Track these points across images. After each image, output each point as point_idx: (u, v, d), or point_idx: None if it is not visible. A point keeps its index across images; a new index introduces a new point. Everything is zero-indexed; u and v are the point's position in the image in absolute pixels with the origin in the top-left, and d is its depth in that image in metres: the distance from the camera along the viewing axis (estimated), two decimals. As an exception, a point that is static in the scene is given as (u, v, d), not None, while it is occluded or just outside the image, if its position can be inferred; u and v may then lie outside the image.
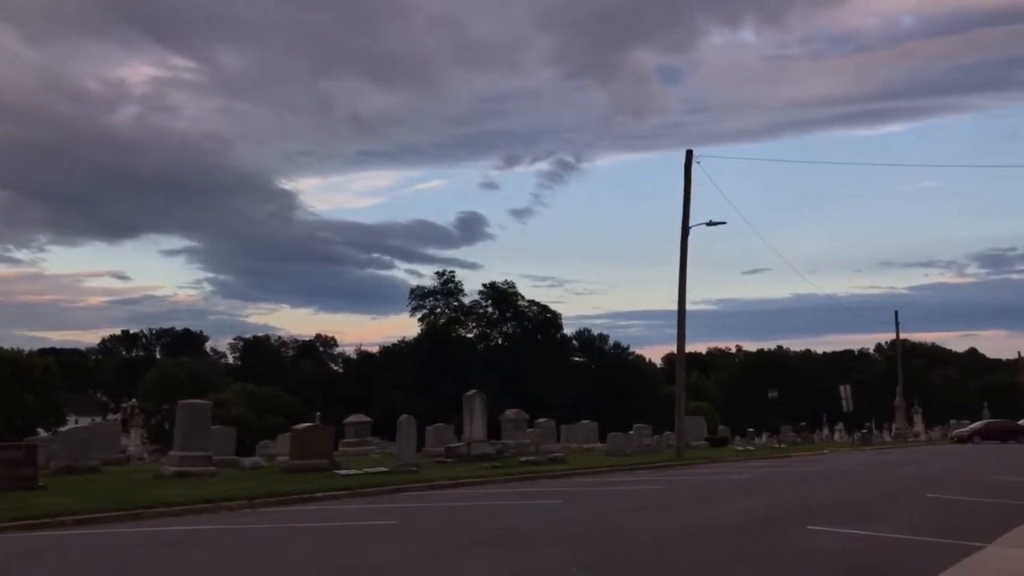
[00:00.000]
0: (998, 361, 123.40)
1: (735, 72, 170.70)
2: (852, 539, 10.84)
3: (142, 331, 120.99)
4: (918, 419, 66.75)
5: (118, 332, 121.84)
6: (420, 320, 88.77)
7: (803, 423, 59.85)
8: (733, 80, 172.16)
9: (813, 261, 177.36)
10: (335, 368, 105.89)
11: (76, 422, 57.99)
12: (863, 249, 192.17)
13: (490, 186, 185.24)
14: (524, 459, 25.37)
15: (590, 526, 12.37)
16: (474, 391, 28.11)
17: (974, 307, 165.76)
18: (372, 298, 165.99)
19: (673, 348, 35.37)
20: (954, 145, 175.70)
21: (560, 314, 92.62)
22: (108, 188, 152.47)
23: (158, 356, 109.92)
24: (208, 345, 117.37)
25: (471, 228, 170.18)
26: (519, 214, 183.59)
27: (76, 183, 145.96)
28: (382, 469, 21.45)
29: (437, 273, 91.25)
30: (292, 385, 77.44)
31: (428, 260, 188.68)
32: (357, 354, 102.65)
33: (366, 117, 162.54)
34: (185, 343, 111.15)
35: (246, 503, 15.30)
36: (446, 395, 60.19)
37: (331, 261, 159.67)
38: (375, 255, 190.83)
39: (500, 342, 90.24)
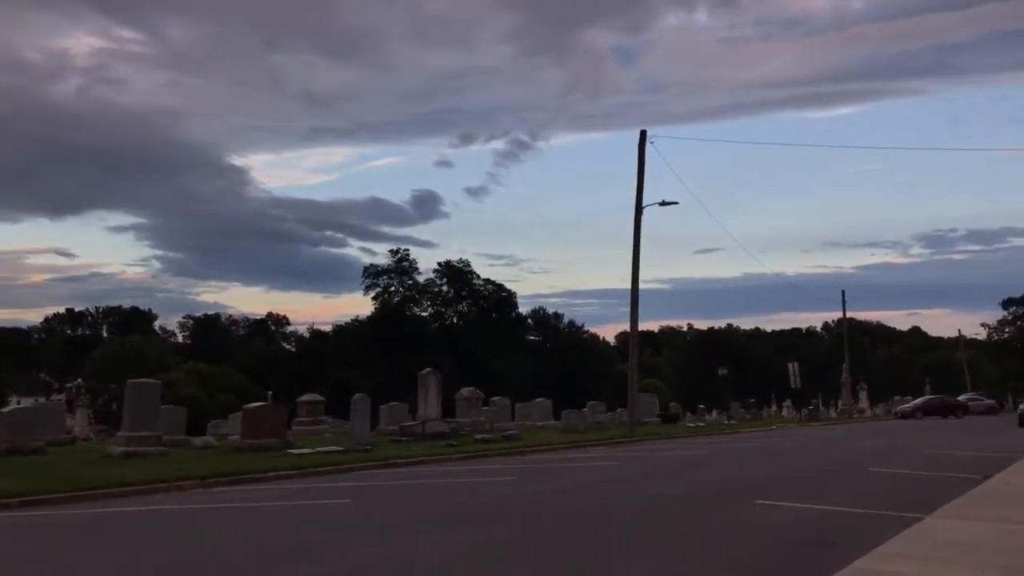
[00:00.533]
0: (940, 339, 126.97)
1: (689, 53, 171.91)
2: (799, 512, 11.12)
3: (88, 309, 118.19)
4: (863, 395, 68.45)
5: (62, 310, 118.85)
6: (374, 299, 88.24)
7: (752, 400, 60.99)
8: (687, 61, 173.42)
9: (763, 241, 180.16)
10: (287, 347, 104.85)
11: (19, 403, 56.62)
12: (811, 229, 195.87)
13: (445, 164, 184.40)
14: (479, 437, 25.47)
15: (543, 502, 12.50)
16: (429, 370, 28.08)
17: (917, 287, 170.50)
18: (325, 276, 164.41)
19: (627, 326, 35.75)
20: (901, 128, 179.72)
21: (515, 293, 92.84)
22: (51, 162, 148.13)
23: (105, 335, 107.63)
24: (157, 324, 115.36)
25: (426, 206, 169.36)
26: (474, 192, 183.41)
27: (17, 157, 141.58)
28: (336, 448, 21.36)
29: (391, 251, 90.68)
30: (244, 364, 76.59)
31: (382, 238, 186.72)
32: (310, 333, 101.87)
33: (319, 93, 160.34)
34: (133, 322, 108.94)
35: (198, 483, 15.15)
36: (400, 374, 60.02)
37: (283, 239, 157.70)
38: (328, 233, 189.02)
39: (455, 321, 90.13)
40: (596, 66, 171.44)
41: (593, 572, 7.71)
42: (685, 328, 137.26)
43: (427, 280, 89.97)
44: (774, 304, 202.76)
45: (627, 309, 34.11)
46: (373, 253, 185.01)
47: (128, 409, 20.11)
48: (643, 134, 33.46)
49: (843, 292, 70.23)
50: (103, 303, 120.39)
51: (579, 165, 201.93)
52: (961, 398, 61.59)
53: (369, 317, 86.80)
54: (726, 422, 46.71)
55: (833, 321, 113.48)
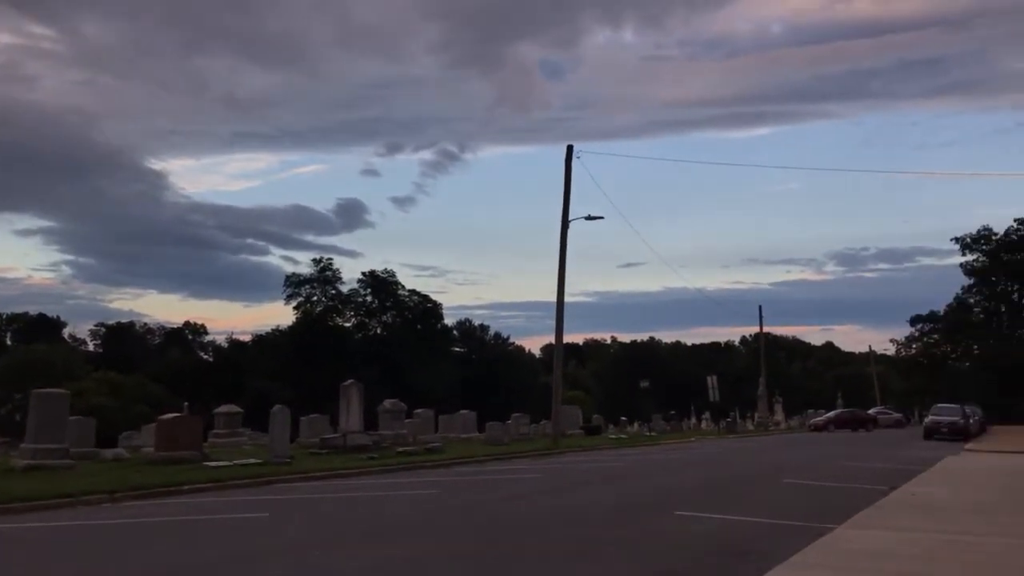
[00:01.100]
0: (851, 354, 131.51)
1: (615, 70, 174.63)
2: (716, 523, 11.33)
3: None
4: (779, 408, 70.37)
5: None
6: (295, 308, 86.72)
7: (673, 412, 62.09)
8: (613, 78, 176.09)
9: (685, 257, 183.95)
10: (205, 357, 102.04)
11: (-86, 413, 53.68)
12: (731, 246, 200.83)
13: (371, 173, 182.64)
14: (401, 450, 25.22)
15: (465, 515, 12.43)
16: (351, 381, 27.71)
17: (831, 303, 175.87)
18: (245, 285, 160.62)
19: (552, 339, 35.99)
20: (817, 150, 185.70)
21: (441, 304, 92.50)
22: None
23: (9, 342, 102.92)
24: (66, 331, 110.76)
25: (351, 215, 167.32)
26: (401, 202, 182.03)
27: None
28: (254, 461, 20.86)
29: (314, 260, 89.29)
30: (159, 374, 74.17)
31: (305, 247, 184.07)
32: (229, 342, 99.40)
33: (243, 97, 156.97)
34: (40, 329, 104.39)
35: (106, 497, 14.56)
36: (322, 385, 59.02)
37: (202, 246, 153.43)
38: (249, 240, 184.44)
39: (379, 332, 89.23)
40: (524, 80, 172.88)
41: (515, 585, 7.69)
42: (609, 341, 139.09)
43: (351, 290, 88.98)
44: (695, 318, 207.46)
45: (552, 322, 34.37)
46: (295, 262, 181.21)
47: (33, 420, 19.22)
48: (570, 149, 33.84)
49: (760, 308, 72.27)
50: (7, 309, 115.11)
51: (507, 177, 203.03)
52: (871, 412, 63.89)
53: (290, 327, 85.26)
54: (647, 434, 47.38)
55: (751, 336, 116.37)
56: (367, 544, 9.80)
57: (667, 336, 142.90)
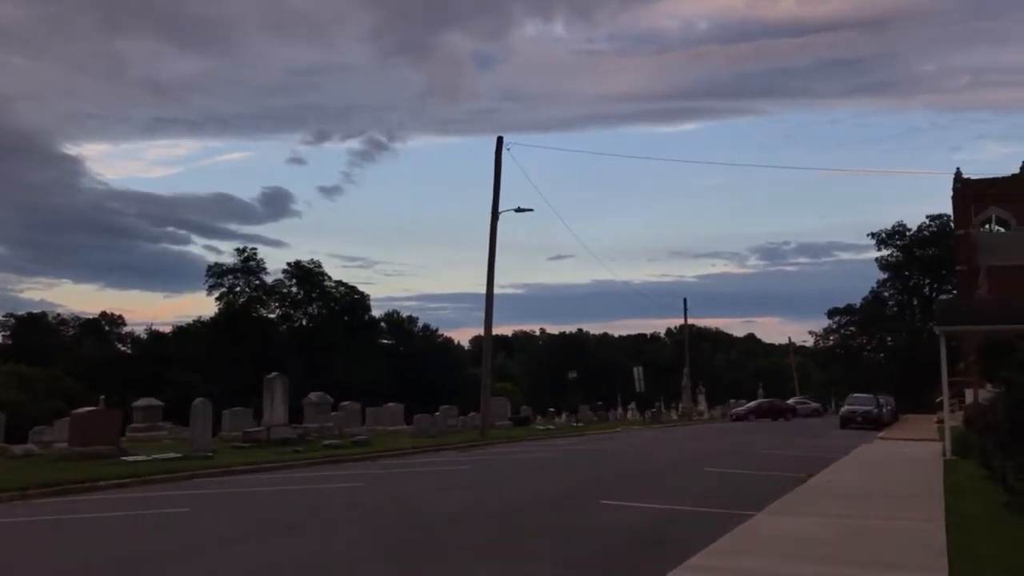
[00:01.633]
0: (772, 346, 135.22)
1: (546, 63, 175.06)
2: (640, 511, 11.52)
3: None
4: (702, 399, 71.87)
5: None
6: (218, 299, 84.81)
7: (599, 402, 62.73)
8: (544, 71, 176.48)
9: (613, 249, 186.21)
10: (123, 349, 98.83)
11: None
12: (658, 239, 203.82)
13: (298, 161, 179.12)
14: (327, 443, 24.93)
15: (390, 507, 12.37)
16: (275, 373, 27.26)
17: (753, 296, 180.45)
18: (165, 275, 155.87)
19: (481, 331, 36.02)
20: (741, 145, 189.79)
21: (368, 295, 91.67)
22: None
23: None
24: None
25: (276, 204, 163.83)
26: (328, 192, 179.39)
27: None
28: (174, 455, 20.36)
29: (237, 250, 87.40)
30: (73, 367, 71.63)
31: (228, 236, 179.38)
32: (148, 334, 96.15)
33: (164, 81, 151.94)
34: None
35: (17, 494, 14.01)
36: (245, 378, 57.90)
37: (120, 234, 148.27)
38: (170, 229, 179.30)
39: (305, 323, 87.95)
40: (455, 70, 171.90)
41: (438, 574, 7.68)
42: (538, 333, 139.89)
43: (275, 280, 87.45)
44: (622, 310, 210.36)
45: (482, 313, 34.37)
46: (218, 251, 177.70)
47: (-64, 415, 18.40)
48: (500, 140, 33.85)
49: (685, 300, 73.61)
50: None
51: (436, 168, 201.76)
52: (790, 401, 65.75)
53: (213, 318, 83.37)
54: (575, 424, 47.83)
55: (676, 327, 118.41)
56: (287, 537, 9.65)
57: (595, 328, 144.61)
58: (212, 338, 78.91)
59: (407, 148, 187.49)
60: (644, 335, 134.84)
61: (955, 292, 68.75)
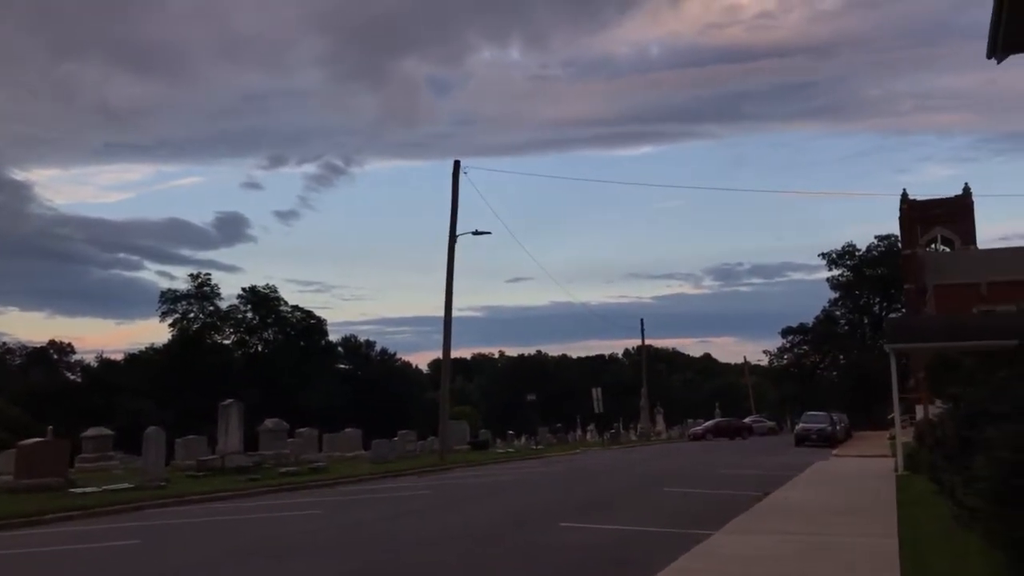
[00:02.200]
0: (728, 365, 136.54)
1: (502, 88, 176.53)
2: (601, 533, 11.53)
3: None
4: (660, 419, 72.29)
5: None
6: (171, 325, 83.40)
7: (559, 424, 62.75)
8: (500, 95, 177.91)
9: (570, 271, 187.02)
10: (72, 377, 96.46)
11: None
12: (614, 261, 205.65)
13: (253, 186, 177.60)
14: (284, 470, 24.55)
15: (350, 535, 12.21)
16: (230, 400, 26.84)
17: (708, 316, 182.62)
18: (117, 301, 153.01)
19: (439, 354, 35.85)
20: (695, 168, 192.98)
21: (325, 320, 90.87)
22: None
23: None
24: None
25: (231, 229, 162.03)
26: (284, 216, 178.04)
27: None
28: (126, 486, 19.87)
29: (191, 275, 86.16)
30: (20, 397, 69.67)
31: (182, 261, 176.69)
32: (98, 362, 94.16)
33: (116, 106, 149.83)
34: None
35: (-41, 531, 13.56)
36: (200, 405, 56.86)
37: (70, 260, 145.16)
38: (121, 255, 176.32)
39: (260, 349, 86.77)
40: (411, 95, 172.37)
41: (400, 604, 7.59)
42: (497, 355, 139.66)
43: (230, 306, 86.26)
44: (580, 332, 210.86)
45: (440, 337, 34.25)
46: (172, 277, 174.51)
47: None
48: (457, 164, 33.94)
49: (642, 321, 74.22)
50: None
51: (393, 192, 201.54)
52: (746, 420, 66.45)
53: (166, 345, 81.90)
54: (534, 447, 47.78)
55: (633, 348, 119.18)
56: (244, 567, 9.48)
57: (553, 349, 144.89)
58: (165, 365, 77.45)
59: (364, 172, 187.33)
60: (602, 356, 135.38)
61: (904, 310, 70.33)
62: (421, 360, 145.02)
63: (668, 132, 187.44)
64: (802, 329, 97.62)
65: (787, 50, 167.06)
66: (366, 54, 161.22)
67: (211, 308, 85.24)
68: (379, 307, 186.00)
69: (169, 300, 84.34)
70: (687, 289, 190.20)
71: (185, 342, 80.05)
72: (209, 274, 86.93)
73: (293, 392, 75.85)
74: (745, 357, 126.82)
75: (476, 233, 34.19)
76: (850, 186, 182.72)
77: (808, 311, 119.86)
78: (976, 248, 63.28)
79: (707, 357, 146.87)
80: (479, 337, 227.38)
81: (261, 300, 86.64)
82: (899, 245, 73.02)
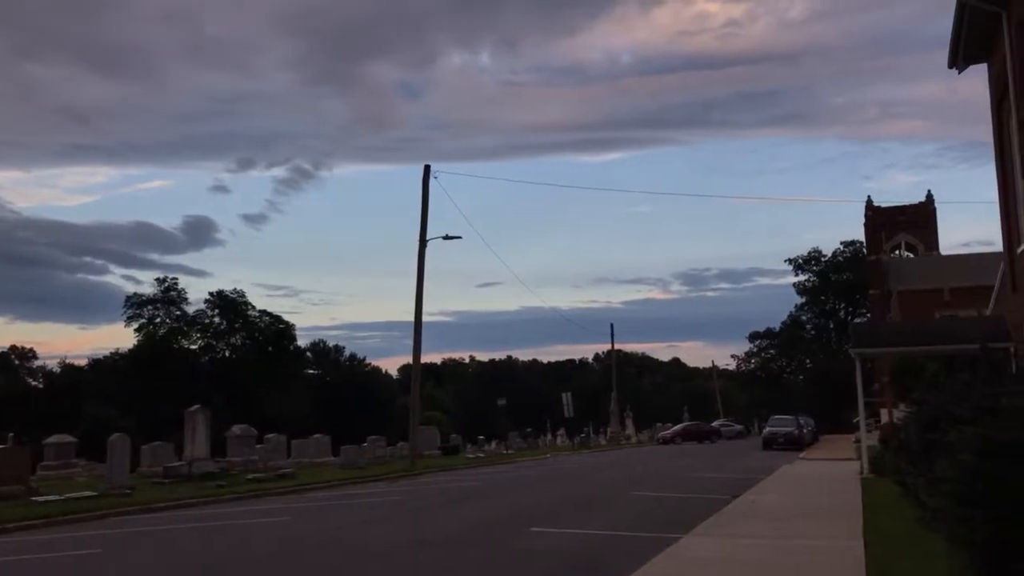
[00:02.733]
0: (696, 369, 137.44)
1: (471, 93, 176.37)
2: (570, 537, 11.55)
3: None
4: (630, 423, 72.56)
5: None
6: (137, 330, 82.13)
7: (529, 429, 62.77)
8: (469, 100, 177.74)
9: (541, 276, 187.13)
10: (34, 383, 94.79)
11: None
12: (584, 266, 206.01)
13: (221, 189, 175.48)
14: (252, 476, 24.31)
15: (318, 542, 12.12)
16: (197, 406, 26.54)
17: (677, 321, 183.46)
18: (81, 306, 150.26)
19: (409, 359, 35.72)
20: (664, 174, 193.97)
21: (294, 325, 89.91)
22: None
23: None
24: None
25: (199, 233, 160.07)
26: (252, 220, 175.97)
27: None
28: (89, 494, 19.55)
29: (158, 280, 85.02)
30: (-20, 404, 68.33)
31: (148, 266, 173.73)
32: (62, 368, 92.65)
33: (81, 108, 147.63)
34: None
35: (-85, 541, 13.26)
36: (166, 411, 56.09)
37: (32, 264, 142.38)
38: (86, 259, 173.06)
39: (228, 354, 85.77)
40: (381, 99, 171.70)
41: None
42: (467, 360, 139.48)
43: (197, 311, 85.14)
44: (551, 336, 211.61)
45: (410, 342, 34.09)
46: (138, 281, 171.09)
47: None
48: (427, 169, 33.84)
49: (612, 325, 74.58)
50: None
51: (363, 196, 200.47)
52: (715, 424, 66.95)
53: (131, 350, 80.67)
54: (504, 452, 47.71)
55: (603, 353, 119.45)
56: (213, 577, 9.38)
57: (524, 354, 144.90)
58: (130, 371, 76.31)
59: (333, 176, 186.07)
60: (573, 361, 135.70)
61: (869, 315, 71.29)
62: (391, 365, 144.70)
63: (637, 138, 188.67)
64: (769, 334, 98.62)
65: (755, 58, 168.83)
66: (336, 58, 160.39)
67: (178, 313, 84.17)
68: (348, 312, 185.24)
69: (135, 305, 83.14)
70: (656, 294, 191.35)
71: (151, 347, 78.96)
72: (176, 278, 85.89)
73: (261, 398, 75.10)
74: (713, 361, 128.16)
75: (446, 238, 34.13)
76: (817, 192, 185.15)
77: (775, 316, 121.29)
78: (939, 254, 64.41)
79: (676, 362, 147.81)
80: (449, 342, 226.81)
81: (229, 305, 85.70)
82: (864, 251, 74.04)
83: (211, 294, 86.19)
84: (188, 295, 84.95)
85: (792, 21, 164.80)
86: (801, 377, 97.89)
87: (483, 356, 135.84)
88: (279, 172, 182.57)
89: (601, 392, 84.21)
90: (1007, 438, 5.65)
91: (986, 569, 5.98)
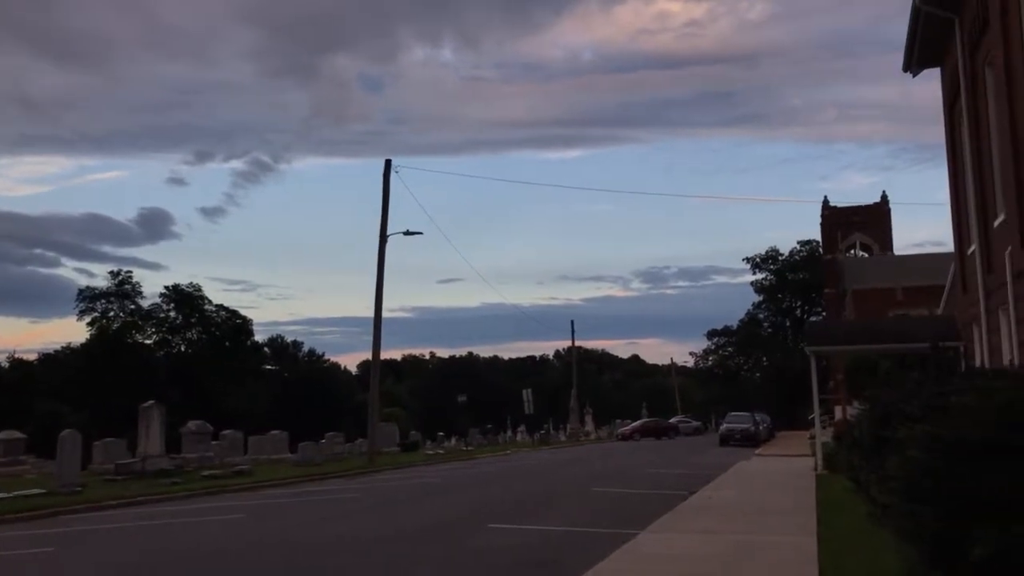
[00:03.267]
0: (655, 366, 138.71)
1: (434, 88, 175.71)
2: (528, 534, 11.56)
3: None
4: (589, 419, 73.03)
5: None
6: (90, 324, 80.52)
7: (489, 426, 62.83)
8: (432, 95, 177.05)
9: (502, 273, 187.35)
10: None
11: None
12: (546, 263, 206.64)
13: (178, 182, 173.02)
14: (207, 473, 23.98)
15: (273, 540, 11.99)
16: (151, 402, 26.12)
17: (637, 318, 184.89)
18: (31, 299, 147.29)
19: (369, 355, 35.51)
20: (625, 172, 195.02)
21: (251, 320, 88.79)
22: None
23: None
24: None
25: (154, 225, 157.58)
26: (210, 213, 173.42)
27: None
28: (38, 491, 19.13)
29: (111, 273, 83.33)
30: (-75, 399, 66.51)
31: (102, 258, 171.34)
32: (10, 362, 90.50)
33: (34, 96, 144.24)
34: None
35: None
36: (120, 407, 55.15)
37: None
38: (37, 251, 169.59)
39: (183, 349, 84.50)
40: (343, 92, 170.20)
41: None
42: (428, 356, 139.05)
43: (152, 305, 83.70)
44: (512, 333, 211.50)
45: (370, 337, 33.90)
46: (91, 274, 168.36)
47: None
48: (388, 163, 33.62)
49: (572, 322, 75.04)
50: None
51: (323, 190, 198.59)
52: (673, 420, 67.60)
53: (83, 344, 79.11)
54: (464, 448, 47.68)
55: (564, 349, 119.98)
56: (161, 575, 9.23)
57: (485, 351, 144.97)
58: (82, 366, 74.81)
59: (293, 169, 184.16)
60: (534, 357, 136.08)
61: (824, 314, 72.49)
62: (350, 361, 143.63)
63: (598, 136, 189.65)
64: (727, 331, 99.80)
65: (714, 58, 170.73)
66: (297, 49, 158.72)
67: (132, 307, 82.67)
68: (307, 307, 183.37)
69: (88, 298, 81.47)
70: (616, 291, 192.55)
71: (104, 342, 77.47)
72: (130, 272, 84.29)
73: (217, 394, 74.13)
74: (672, 358, 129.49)
75: (407, 233, 33.98)
76: (774, 192, 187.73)
77: (733, 314, 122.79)
78: (892, 254, 65.72)
79: (635, 358, 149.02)
80: (410, 338, 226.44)
81: (185, 299, 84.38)
82: (820, 250, 75.24)
83: (167, 288, 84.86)
84: (143, 289, 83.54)
85: (752, 22, 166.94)
86: (758, 374, 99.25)
87: (444, 352, 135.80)
88: (238, 165, 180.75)
89: (561, 389, 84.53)
90: (955, 436, 5.75)
91: (933, 563, 6.10)
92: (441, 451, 43.05)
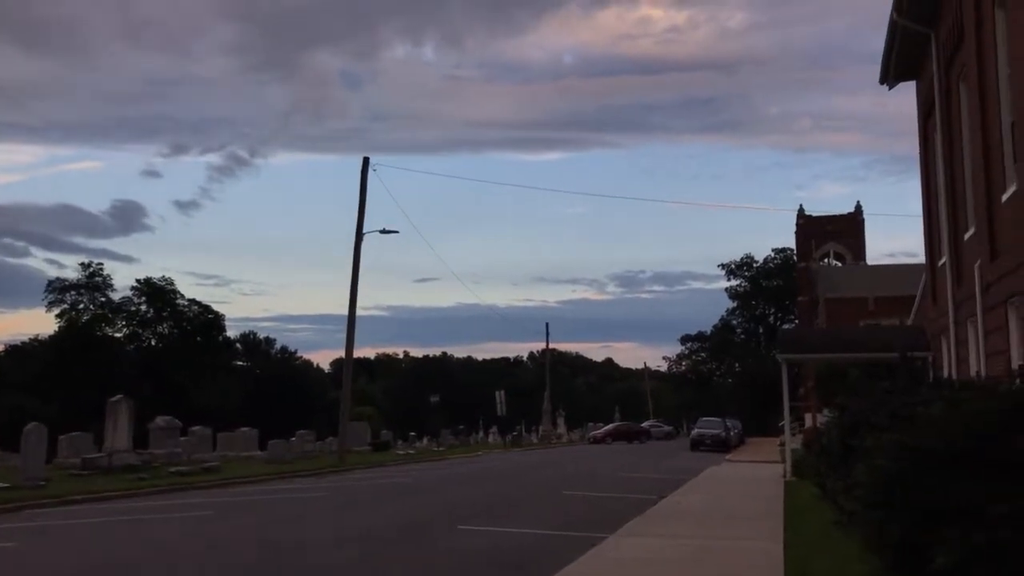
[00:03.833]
0: (629, 370, 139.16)
1: (414, 86, 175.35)
2: (498, 536, 11.55)
3: None
4: (562, 422, 73.12)
5: None
6: (58, 316, 79.45)
7: (461, 426, 62.74)
8: (412, 93, 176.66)
9: (478, 273, 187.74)
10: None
11: None
12: (522, 264, 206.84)
13: (152, 174, 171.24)
14: (175, 470, 23.73)
15: (241, 538, 11.88)
16: (120, 396, 25.81)
17: (611, 321, 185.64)
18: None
19: (342, 353, 35.34)
20: (603, 176, 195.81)
21: (223, 315, 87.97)
22: None
23: None
24: None
25: (127, 217, 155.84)
26: (184, 206, 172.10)
27: None
28: (2, 485, 18.82)
29: (82, 264, 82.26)
30: None
31: (73, 249, 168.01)
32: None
33: (5, 84, 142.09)
34: None
35: None
36: (87, 401, 54.46)
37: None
38: (6, 240, 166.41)
39: (154, 343, 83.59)
40: (322, 88, 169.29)
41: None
42: (402, 356, 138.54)
43: (123, 298, 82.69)
44: (486, 334, 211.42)
45: (343, 335, 33.76)
46: (61, 266, 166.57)
47: None
48: (366, 161, 33.49)
49: (547, 324, 75.19)
50: None
51: (299, 186, 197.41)
52: (644, 424, 67.89)
53: (52, 337, 78.00)
54: (436, 449, 47.58)
55: (538, 351, 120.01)
56: (125, 573, 9.10)
57: (459, 351, 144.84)
58: (50, 358, 73.73)
59: (269, 165, 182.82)
60: (507, 359, 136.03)
61: (797, 321, 73.16)
62: (323, 359, 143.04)
63: (578, 139, 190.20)
64: (700, 337, 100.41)
65: (694, 65, 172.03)
66: (277, 44, 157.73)
67: (102, 299, 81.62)
68: (280, 303, 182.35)
69: (57, 290, 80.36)
70: (591, 294, 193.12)
71: (73, 334, 76.43)
72: (102, 264, 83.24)
73: (187, 389, 73.40)
74: (645, 363, 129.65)
75: (384, 232, 33.89)
76: (750, 199, 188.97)
77: (707, 319, 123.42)
78: (865, 264, 66.47)
79: (609, 362, 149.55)
80: (383, 337, 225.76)
81: (156, 292, 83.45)
82: (795, 258, 75.93)
83: (138, 281, 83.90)
84: (114, 281, 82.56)
85: (732, 31, 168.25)
86: (730, 380, 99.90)
87: (417, 352, 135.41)
88: (213, 159, 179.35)
89: (535, 391, 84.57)
90: (921, 445, 5.83)
91: (897, 570, 6.17)
92: (412, 451, 42.90)
